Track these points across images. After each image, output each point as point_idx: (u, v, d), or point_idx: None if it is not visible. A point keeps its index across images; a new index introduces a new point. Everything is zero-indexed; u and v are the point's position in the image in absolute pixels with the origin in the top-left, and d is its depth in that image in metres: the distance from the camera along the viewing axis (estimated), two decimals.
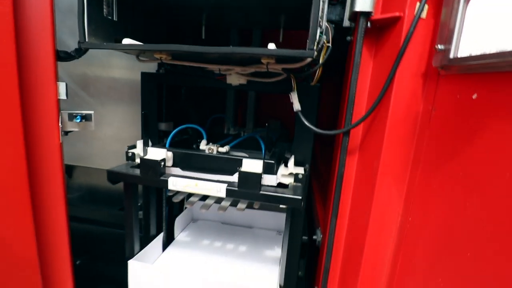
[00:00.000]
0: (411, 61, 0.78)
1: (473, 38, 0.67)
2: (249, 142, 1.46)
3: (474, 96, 0.65)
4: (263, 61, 0.92)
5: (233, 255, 1.41)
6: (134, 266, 1.14)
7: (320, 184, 1.82)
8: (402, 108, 0.81)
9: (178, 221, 1.57)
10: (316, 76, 0.95)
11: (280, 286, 1.07)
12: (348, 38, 1.01)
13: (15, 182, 0.88)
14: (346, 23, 0.97)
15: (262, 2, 1.02)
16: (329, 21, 1.01)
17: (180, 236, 1.57)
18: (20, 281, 0.97)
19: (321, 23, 0.82)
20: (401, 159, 0.84)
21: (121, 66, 1.60)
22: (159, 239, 1.38)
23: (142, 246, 1.26)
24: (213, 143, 1.45)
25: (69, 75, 1.61)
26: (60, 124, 0.94)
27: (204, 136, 1.16)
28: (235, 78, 1.07)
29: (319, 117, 2.18)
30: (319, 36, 0.84)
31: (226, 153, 1.08)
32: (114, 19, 0.96)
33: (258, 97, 2.27)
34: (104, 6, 0.92)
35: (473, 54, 0.65)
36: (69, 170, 1.79)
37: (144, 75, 1.22)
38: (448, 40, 0.72)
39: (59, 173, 0.97)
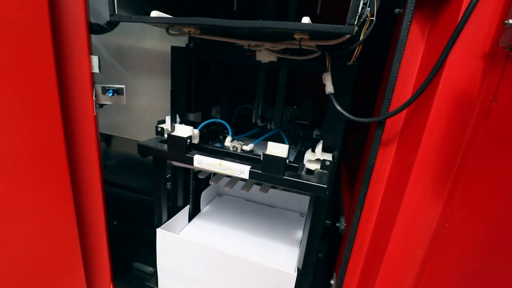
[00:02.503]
0: (471, 39, 0.65)
1: None
2: (275, 137, 1.41)
3: None
4: (296, 36, 0.84)
5: (255, 233, 1.43)
6: (161, 234, 1.21)
7: (349, 169, 1.74)
8: (453, 96, 0.69)
9: (204, 195, 1.62)
10: (355, 55, 0.85)
11: (298, 269, 1.07)
12: (397, 10, 0.88)
13: (53, 153, 0.95)
14: None
15: None
16: None
17: (206, 209, 1.64)
18: (60, 241, 1.08)
19: None
20: (445, 155, 0.74)
21: (153, 37, 1.60)
22: (185, 210, 1.45)
23: (170, 215, 1.34)
24: (239, 133, 1.43)
25: (106, 46, 1.65)
26: (94, 97, 0.98)
27: (230, 132, 1.14)
28: (265, 54, 1.01)
29: (356, 100, 2.03)
30: (362, 8, 0.74)
31: (250, 151, 1.05)
32: None
33: (290, 73, 2.16)
34: None
35: None
36: (107, 139, 1.92)
37: (174, 49, 1.21)
38: None
39: (94, 143, 1.02)
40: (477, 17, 0.64)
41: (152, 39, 1.60)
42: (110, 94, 0.98)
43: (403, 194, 0.80)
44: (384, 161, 0.85)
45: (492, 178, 0.64)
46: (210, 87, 1.38)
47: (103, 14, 1.50)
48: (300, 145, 1.31)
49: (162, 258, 1.25)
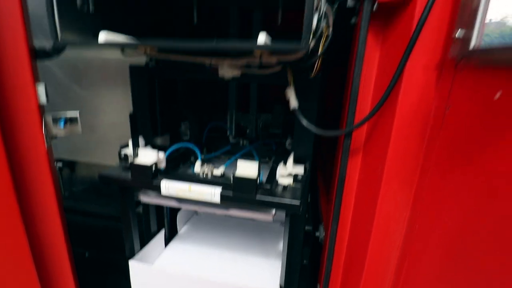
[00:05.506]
0: (424, 50, 0.67)
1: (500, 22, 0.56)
2: (247, 155, 1.38)
3: (497, 96, 0.55)
4: (256, 53, 0.83)
5: (237, 250, 1.39)
6: (134, 266, 1.14)
7: (325, 175, 1.75)
8: (412, 106, 0.71)
9: (181, 215, 1.55)
10: (315, 68, 0.85)
11: (280, 286, 1.05)
12: (353, 20, 0.89)
13: (2, 197, 0.85)
14: (350, 2, 0.85)
15: None
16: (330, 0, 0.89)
17: (183, 230, 1.57)
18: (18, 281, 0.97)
19: (319, 7, 0.71)
20: (409, 162, 0.75)
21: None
22: (161, 235, 1.38)
23: (144, 242, 1.26)
24: (212, 150, 1.39)
25: (59, 66, 1.54)
26: (44, 131, 0.89)
27: (199, 156, 1.10)
28: (227, 70, 0.98)
29: (326, 106, 2.06)
30: (317, 22, 0.73)
31: (222, 176, 1.01)
32: (90, 11, 0.87)
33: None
34: None
35: (499, 44, 0.54)
36: (71, 165, 1.79)
37: (132, 69, 1.14)
38: (469, 25, 0.60)
39: (49, 180, 0.93)
40: (428, 30, 0.66)
41: (110, 50, 1.50)
42: (62, 126, 0.90)
43: (376, 203, 0.81)
44: (353, 171, 0.85)
45: (452, 180, 0.66)
46: (177, 107, 1.33)
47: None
48: (274, 158, 1.30)
49: None
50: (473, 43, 0.59)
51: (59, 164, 1.75)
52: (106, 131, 1.65)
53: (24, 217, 0.90)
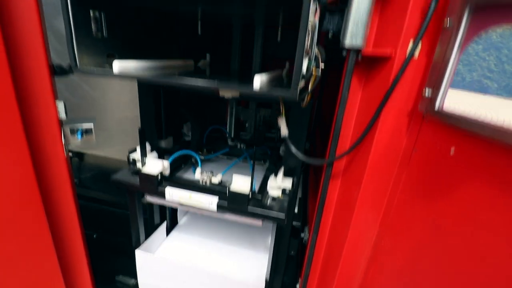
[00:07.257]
0: (398, 99, 0.77)
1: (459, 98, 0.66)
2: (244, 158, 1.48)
3: (452, 151, 0.66)
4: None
5: (232, 242, 1.56)
6: (140, 255, 1.30)
7: (315, 174, 1.88)
8: (385, 144, 0.82)
9: (181, 208, 1.70)
10: (305, 100, 0.95)
11: (266, 280, 1.21)
12: (344, 53, 0.97)
13: (28, 199, 0.98)
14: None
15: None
16: (326, 31, 0.97)
17: (183, 220, 1.73)
18: (38, 263, 1.13)
19: (309, 53, 0.80)
20: (379, 190, 0.87)
21: None
22: (163, 226, 1.54)
23: (148, 230, 1.41)
24: (212, 151, 1.50)
25: None
26: (63, 140, 1.01)
27: (199, 164, 1.21)
28: (227, 92, 1.07)
29: (322, 105, 2.12)
30: (307, 65, 0.82)
31: (219, 184, 1.13)
32: (104, 36, 0.95)
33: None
34: (93, 25, 0.90)
35: (457, 111, 0.64)
36: (80, 156, 1.92)
37: (140, 83, 1.23)
38: (436, 86, 0.70)
39: (68, 182, 1.06)
40: (402, 84, 0.75)
41: None
42: (79, 137, 1.02)
43: (350, 220, 0.94)
44: (333, 190, 0.98)
45: (411, 209, 0.79)
46: (180, 111, 1.43)
47: None
48: (268, 163, 1.42)
49: (142, 276, 1.34)
50: (437, 104, 0.69)
51: (69, 154, 1.88)
52: (112, 126, 1.76)
53: (46, 209, 1.04)
